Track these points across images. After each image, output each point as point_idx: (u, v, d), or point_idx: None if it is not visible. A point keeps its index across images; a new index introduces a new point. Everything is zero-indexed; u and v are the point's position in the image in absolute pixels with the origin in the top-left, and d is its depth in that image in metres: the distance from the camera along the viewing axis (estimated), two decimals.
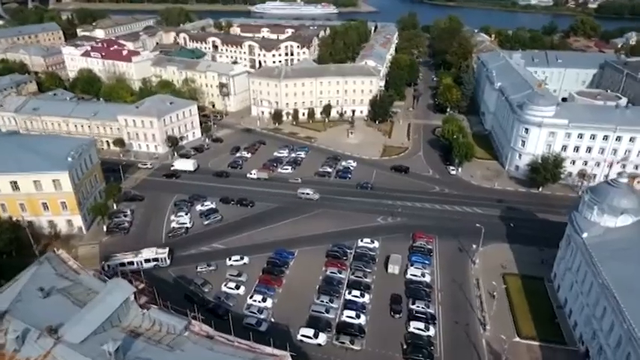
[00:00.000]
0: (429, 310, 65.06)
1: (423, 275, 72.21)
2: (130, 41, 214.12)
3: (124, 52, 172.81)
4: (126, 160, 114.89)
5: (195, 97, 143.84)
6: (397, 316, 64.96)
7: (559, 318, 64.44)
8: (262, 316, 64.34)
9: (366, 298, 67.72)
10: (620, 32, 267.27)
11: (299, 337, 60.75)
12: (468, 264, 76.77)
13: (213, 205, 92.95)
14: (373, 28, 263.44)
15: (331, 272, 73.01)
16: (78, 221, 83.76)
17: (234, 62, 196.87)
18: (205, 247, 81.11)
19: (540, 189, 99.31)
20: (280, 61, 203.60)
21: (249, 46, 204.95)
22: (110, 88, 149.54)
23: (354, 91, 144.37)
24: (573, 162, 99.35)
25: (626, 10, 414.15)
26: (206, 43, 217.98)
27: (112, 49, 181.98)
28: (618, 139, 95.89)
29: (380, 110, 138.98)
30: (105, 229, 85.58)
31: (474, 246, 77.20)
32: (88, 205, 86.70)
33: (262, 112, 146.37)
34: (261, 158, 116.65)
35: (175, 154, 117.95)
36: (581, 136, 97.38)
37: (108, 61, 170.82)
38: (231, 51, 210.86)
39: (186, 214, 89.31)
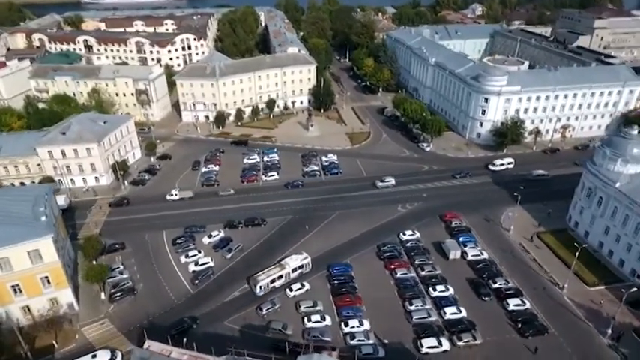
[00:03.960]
0: (512, 285, 67.45)
1: (481, 253, 74.26)
2: None
3: None
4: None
5: (106, 111, 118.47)
6: (487, 299, 65.75)
7: (601, 260, 73.57)
8: (371, 341, 58.33)
9: (452, 290, 66.74)
10: (465, 4, 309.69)
11: (424, 350, 56.97)
12: (502, 232, 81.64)
13: (222, 234, 79.24)
14: None
15: (402, 274, 69.67)
16: (67, 296, 62.55)
17: (123, 63, 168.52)
18: (247, 285, 68.95)
19: (505, 151, 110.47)
20: (177, 57, 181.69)
21: (137, 42, 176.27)
22: None
23: (292, 81, 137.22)
24: (523, 122, 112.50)
25: None
26: (75, 43, 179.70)
27: None
28: (556, 97, 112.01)
29: (326, 98, 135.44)
30: (103, 296, 65.76)
31: (510, 214, 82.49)
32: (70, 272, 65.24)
33: (197, 117, 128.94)
34: (232, 169, 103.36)
35: (126, 182, 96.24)
36: (529, 98, 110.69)
37: None
38: (112, 50, 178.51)
39: (199, 252, 74.30)
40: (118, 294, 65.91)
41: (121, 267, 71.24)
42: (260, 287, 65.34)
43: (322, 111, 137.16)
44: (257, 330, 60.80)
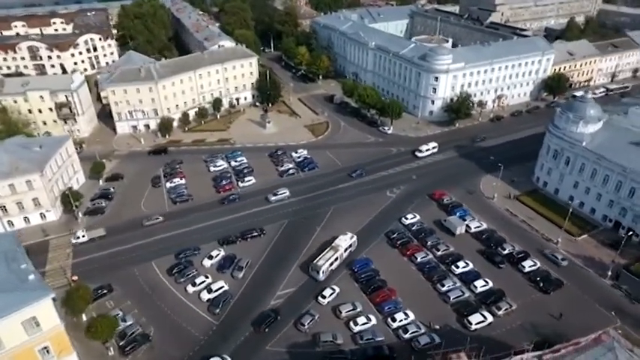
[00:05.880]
0: (521, 249, 72.48)
1: (481, 224, 78.50)
2: None
3: None
4: None
5: (22, 132, 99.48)
6: (502, 266, 69.90)
7: (574, 211, 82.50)
8: (422, 331, 58.60)
9: (472, 265, 69.61)
10: None
11: (473, 327, 58.87)
12: (487, 201, 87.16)
13: (223, 252, 72.38)
14: None
15: (422, 258, 70.72)
16: None
17: (18, 74, 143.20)
18: (274, 301, 64.39)
19: (457, 125, 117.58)
20: (83, 61, 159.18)
21: (31, 47, 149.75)
22: None
23: (234, 77, 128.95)
24: (470, 96, 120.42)
25: None
26: None
27: None
28: (492, 70, 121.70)
29: (274, 92, 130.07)
30: (112, 352, 56.09)
31: (494, 183, 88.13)
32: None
33: (134, 127, 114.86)
34: (200, 179, 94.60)
35: (80, 214, 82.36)
36: (472, 73, 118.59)
37: None
38: None
39: (207, 277, 66.98)
40: (131, 345, 56.65)
41: (120, 313, 61.18)
42: (322, 272, 65.97)
43: (270, 105, 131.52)
44: (305, 347, 57.21)
